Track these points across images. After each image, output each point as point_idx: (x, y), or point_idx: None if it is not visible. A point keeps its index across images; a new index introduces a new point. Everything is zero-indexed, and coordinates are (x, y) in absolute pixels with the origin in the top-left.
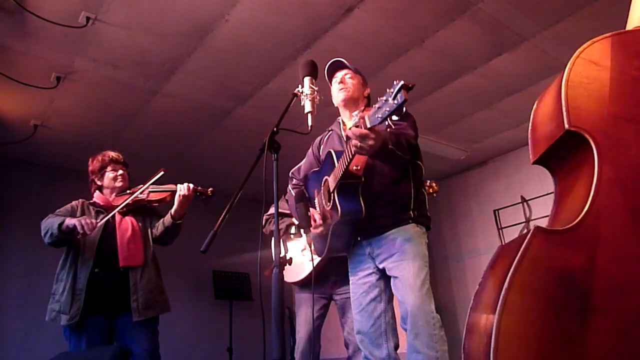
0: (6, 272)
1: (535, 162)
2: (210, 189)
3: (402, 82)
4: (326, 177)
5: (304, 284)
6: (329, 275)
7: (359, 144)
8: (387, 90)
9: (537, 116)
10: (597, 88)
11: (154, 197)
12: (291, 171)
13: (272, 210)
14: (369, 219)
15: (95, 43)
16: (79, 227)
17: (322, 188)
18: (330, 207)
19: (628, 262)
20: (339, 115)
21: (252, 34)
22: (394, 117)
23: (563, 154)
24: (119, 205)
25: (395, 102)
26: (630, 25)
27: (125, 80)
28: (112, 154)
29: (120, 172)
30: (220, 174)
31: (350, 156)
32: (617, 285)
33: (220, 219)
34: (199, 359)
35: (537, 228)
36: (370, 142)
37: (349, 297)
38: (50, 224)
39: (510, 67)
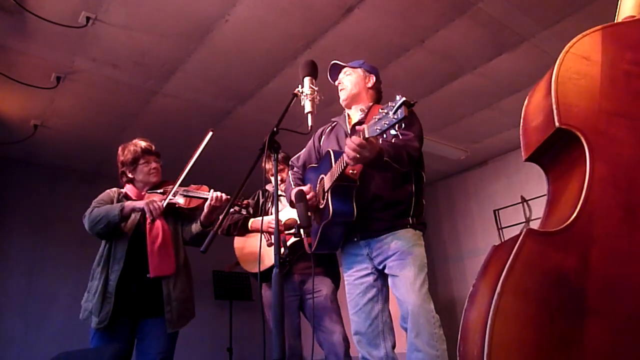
0: (6, 272)
1: (527, 160)
2: (246, 201)
3: (403, 99)
4: (322, 175)
5: (267, 276)
6: (293, 274)
7: (352, 154)
8: (389, 103)
9: (528, 113)
10: (588, 84)
11: (187, 204)
12: (291, 159)
13: (230, 210)
14: (365, 221)
15: (95, 43)
16: (147, 211)
17: (317, 186)
18: (323, 206)
19: (622, 262)
20: (345, 109)
21: (252, 34)
22: (392, 132)
23: (556, 152)
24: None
25: (395, 117)
26: (620, 16)
27: (125, 80)
28: (144, 143)
29: (154, 164)
30: (221, 174)
31: (345, 163)
32: (612, 286)
33: (220, 219)
34: (199, 359)
35: (529, 230)
36: (366, 154)
37: (317, 297)
38: (104, 211)
39: (510, 67)
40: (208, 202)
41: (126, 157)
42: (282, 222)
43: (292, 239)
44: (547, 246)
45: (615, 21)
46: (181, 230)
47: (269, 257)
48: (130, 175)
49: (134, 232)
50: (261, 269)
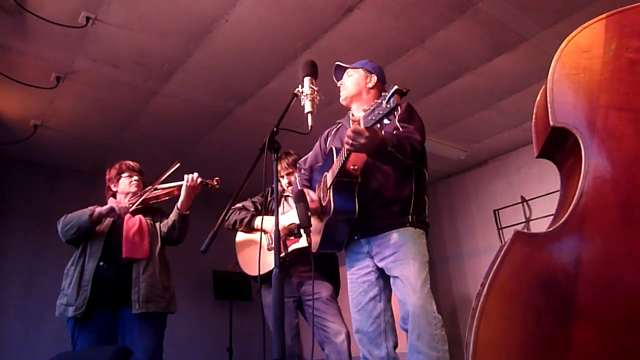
0: (6, 272)
1: (540, 157)
2: (216, 179)
3: (395, 87)
4: (326, 172)
5: (267, 279)
6: (291, 276)
7: (350, 140)
8: (383, 93)
9: (537, 109)
10: (588, 78)
11: (162, 192)
12: (298, 162)
13: (238, 205)
14: (365, 219)
15: (95, 43)
16: (117, 209)
17: (322, 183)
18: (326, 203)
19: (616, 262)
20: (349, 110)
21: (252, 34)
22: (386, 121)
23: (565, 150)
24: (133, 204)
25: (388, 105)
26: None
27: (125, 80)
28: (130, 162)
29: (135, 178)
30: (221, 174)
31: (346, 154)
32: (604, 287)
33: (220, 218)
34: (199, 359)
35: (517, 232)
36: (362, 141)
37: (317, 298)
38: (76, 217)
39: (510, 67)
40: (184, 184)
41: (111, 173)
42: (285, 226)
43: (295, 245)
44: (534, 248)
45: None
46: (159, 226)
47: (268, 262)
48: (113, 189)
49: (110, 229)
50: (261, 273)
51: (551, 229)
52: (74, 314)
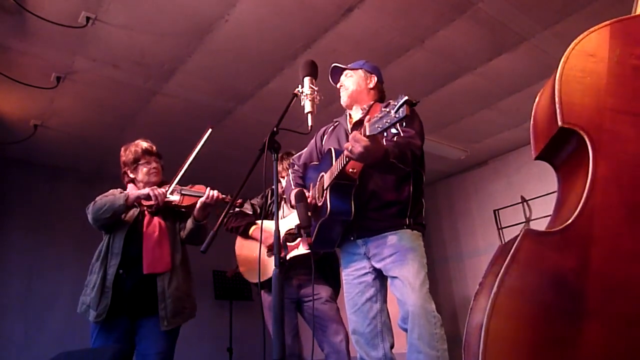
0: (6, 272)
1: (538, 158)
2: (239, 201)
3: (406, 97)
4: (323, 173)
5: (267, 285)
6: (291, 279)
7: (350, 147)
8: (391, 101)
9: (537, 111)
10: (594, 81)
11: (184, 202)
12: (292, 157)
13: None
14: (361, 220)
15: (95, 43)
16: (152, 196)
17: (317, 183)
18: (321, 203)
19: (623, 261)
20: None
21: (252, 34)
22: (393, 130)
23: (564, 152)
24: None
25: (397, 116)
26: (638, 10)
27: (125, 80)
28: (145, 144)
29: (154, 164)
30: (221, 174)
31: (346, 160)
32: (612, 286)
33: (220, 219)
34: (199, 359)
35: (527, 230)
36: (360, 150)
37: (316, 299)
38: (110, 201)
39: (510, 67)
40: (202, 199)
41: (127, 157)
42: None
43: (294, 252)
44: (544, 246)
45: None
46: (179, 229)
47: (268, 270)
48: (131, 175)
49: (131, 228)
50: (261, 280)
51: (559, 227)
52: (95, 320)
